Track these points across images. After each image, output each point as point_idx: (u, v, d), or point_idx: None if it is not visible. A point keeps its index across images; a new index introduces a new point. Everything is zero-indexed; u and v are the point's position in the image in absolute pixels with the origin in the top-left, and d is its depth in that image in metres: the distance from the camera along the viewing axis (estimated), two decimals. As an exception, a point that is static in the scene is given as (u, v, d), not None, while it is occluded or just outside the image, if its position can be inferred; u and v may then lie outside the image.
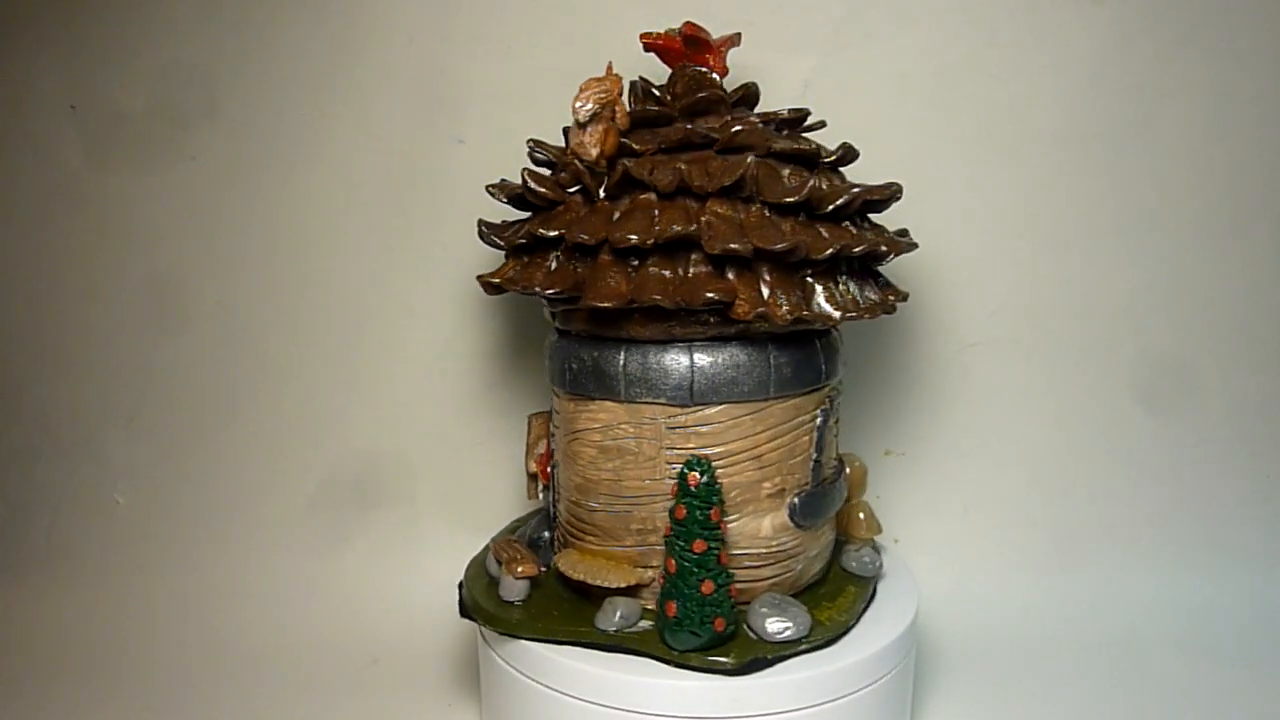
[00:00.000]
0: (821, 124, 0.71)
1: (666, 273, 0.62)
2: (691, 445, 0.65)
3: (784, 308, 0.62)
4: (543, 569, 0.70)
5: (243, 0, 0.86)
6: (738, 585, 0.65)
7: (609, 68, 0.68)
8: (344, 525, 0.94)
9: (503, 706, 0.70)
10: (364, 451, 0.93)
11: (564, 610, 0.68)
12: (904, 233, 0.71)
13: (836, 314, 0.63)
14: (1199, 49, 0.84)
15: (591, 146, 0.64)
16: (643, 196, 0.64)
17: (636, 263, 0.63)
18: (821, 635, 0.66)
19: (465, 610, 0.70)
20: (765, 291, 0.62)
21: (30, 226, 0.92)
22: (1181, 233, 0.87)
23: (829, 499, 0.69)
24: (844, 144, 0.68)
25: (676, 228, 0.61)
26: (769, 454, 0.66)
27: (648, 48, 0.70)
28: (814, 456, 0.68)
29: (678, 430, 0.65)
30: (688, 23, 0.69)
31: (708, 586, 0.62)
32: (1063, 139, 0.85)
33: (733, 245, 0.60)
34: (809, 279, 0.64)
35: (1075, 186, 0.86)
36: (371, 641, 0.86)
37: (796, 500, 0.67)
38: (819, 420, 0.67)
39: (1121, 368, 0.90)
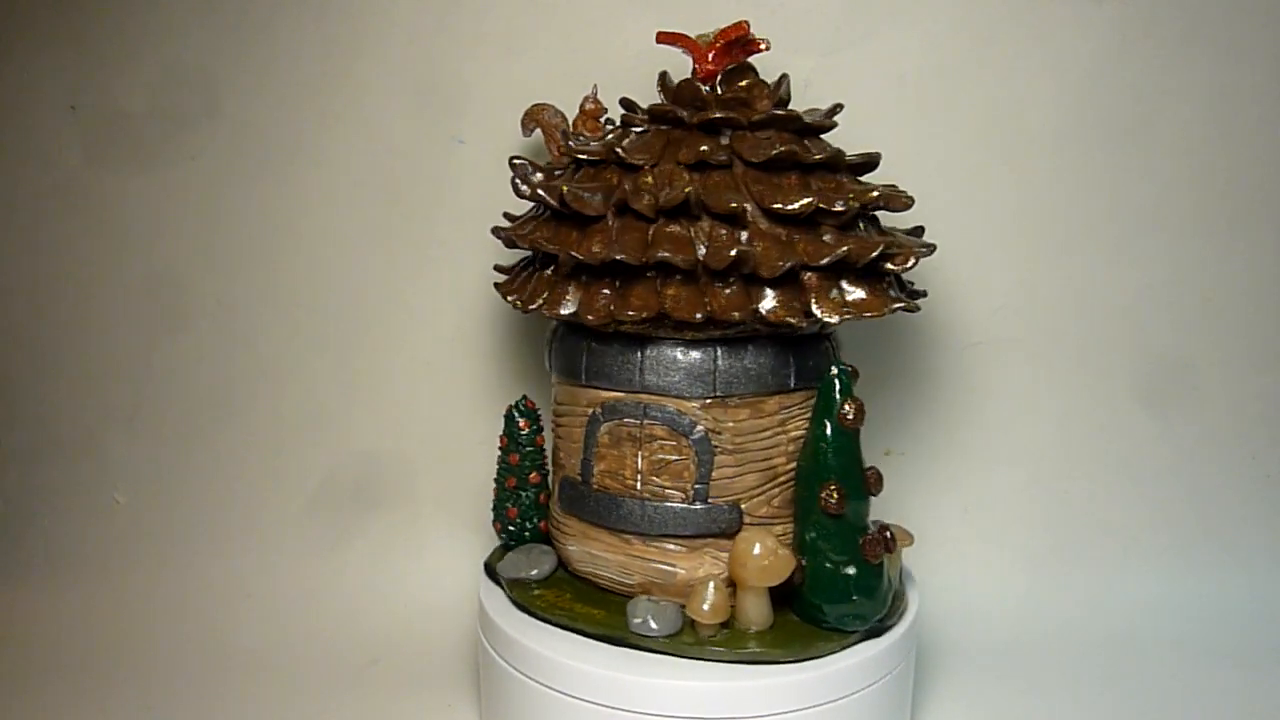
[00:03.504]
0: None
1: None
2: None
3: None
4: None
5: (243, 0, 0.86)
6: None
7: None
8: (344, 525, 0.94)
9: (503, 706, 0.70)
10: (364, 451, 0.93)
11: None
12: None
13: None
14: (1199, 49, 0.84)
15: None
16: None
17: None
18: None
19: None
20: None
21: (30, 226, 0.92)
22: (1181, 233, 0.87)
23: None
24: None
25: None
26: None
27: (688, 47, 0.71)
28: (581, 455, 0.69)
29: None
30: (736, 24, 0.69)
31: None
32: (1063, 139, 0.85)
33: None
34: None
35: (1075, 186, 0.86)
36: (371, 641, 0.86)
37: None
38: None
39: (1121, 368, 0.90)
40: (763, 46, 0.69)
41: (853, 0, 0.83)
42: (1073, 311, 0.89)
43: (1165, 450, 0.91)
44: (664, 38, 0.71)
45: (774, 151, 0.64)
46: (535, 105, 0.77)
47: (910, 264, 0.65)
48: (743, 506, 0.67)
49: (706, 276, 0.63)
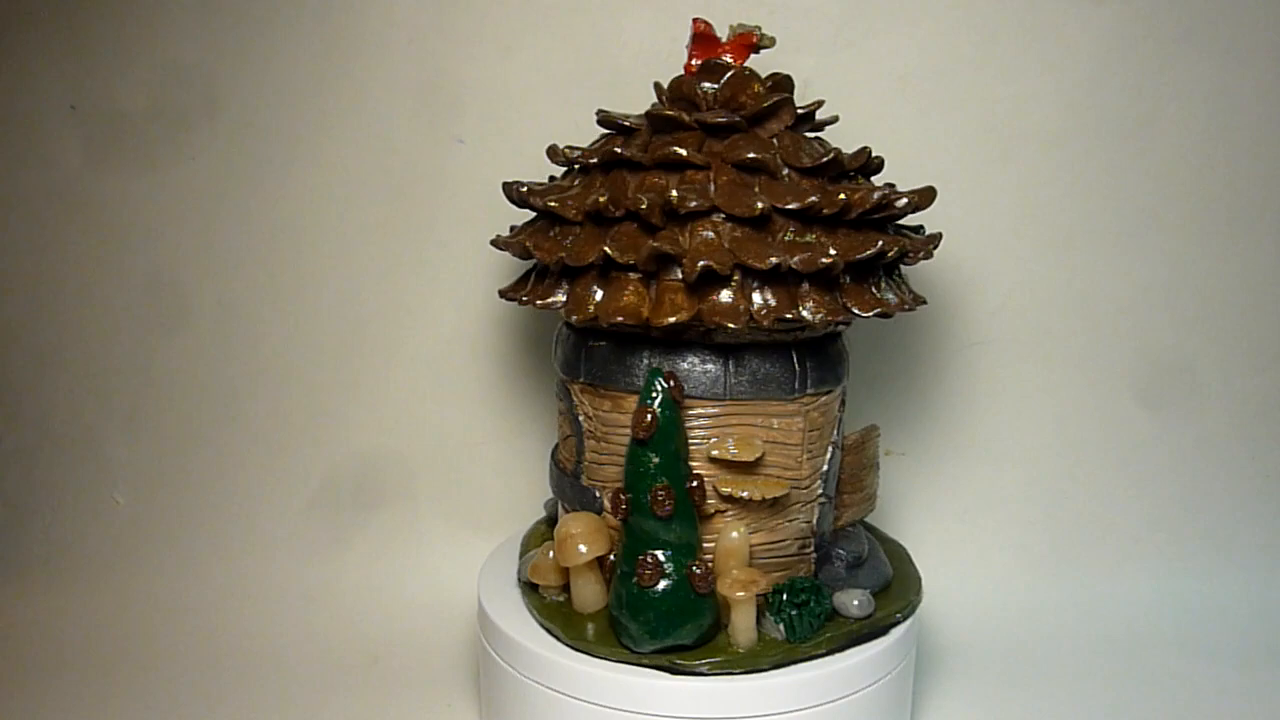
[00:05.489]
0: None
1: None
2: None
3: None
4: None
5: (243, 0, 0.86)
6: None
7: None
8: (344, 525, 0.94)
9: (503, 706, 0.70)
10: (364, 451, 0.93)
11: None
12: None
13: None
14: (1199, 49, 0.84)
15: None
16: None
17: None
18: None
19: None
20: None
21: (30, 226, 0.92)
22: (1181, 233, 0.87)
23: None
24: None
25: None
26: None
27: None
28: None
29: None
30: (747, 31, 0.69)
31: None
32: (1063, 139, 0.85)
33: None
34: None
35: (1075, 186, 0.86)
36: (371, 641, 0.86)
37: None
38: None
39: (1121, 368, 0.90)
40: (756, 38, 0.69)
41: (853, 0, 0.83)
42: (1073, 311, 0.89)
43: (1165, 450, 0.91)
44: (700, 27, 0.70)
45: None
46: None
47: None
48: (596, 493, 0.69)
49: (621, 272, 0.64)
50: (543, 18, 0.84)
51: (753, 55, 0.70)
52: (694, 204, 0.61)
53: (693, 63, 0.69)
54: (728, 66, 0.67)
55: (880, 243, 0.63)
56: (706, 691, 0.63)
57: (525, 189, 0.69)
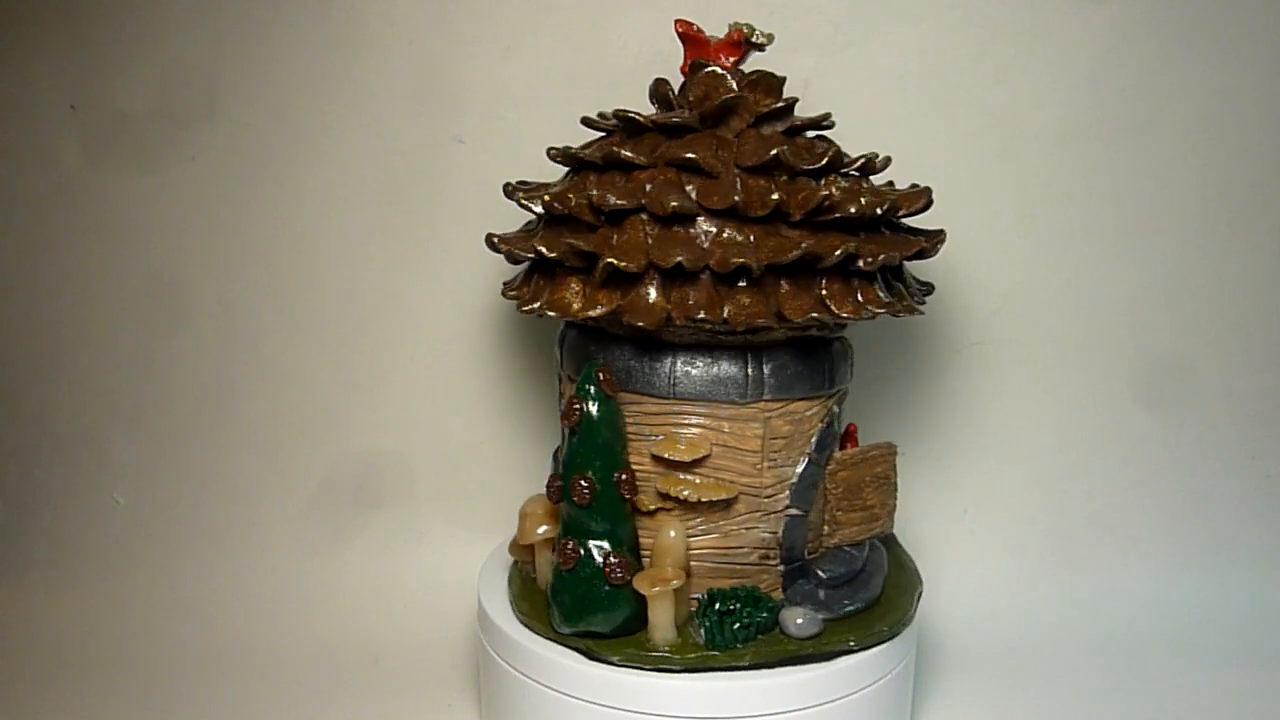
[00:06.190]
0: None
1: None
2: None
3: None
4: None
5: (243, 0, 0.86)
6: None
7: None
8: (344, 525, 0.94)
9: (503, 706, 0.70)
10: (364, 451, 0.93)
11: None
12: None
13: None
14: (1199, 49, 0.84)
15: None
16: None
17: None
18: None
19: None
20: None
21: (30, 226, 0.92)
22: (1181, 233, 0.87)
23: None
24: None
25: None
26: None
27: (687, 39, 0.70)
28: None
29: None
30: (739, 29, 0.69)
31: None
32: (1063, 139, 0.85)
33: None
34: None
35: (1075, 186, 0.86)
36: (371, 641, 0.86)
37: None
38: None
39: (1121, 368, 0.90)
40: (740, 36, 0.68)
41: (853, 0, 0.83)
42: (1073, 311, 0.89)
43: (1165, 450, 0.91)
44: (683, 28, 0.70)
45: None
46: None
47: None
48: None
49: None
50: (543, 18, 0.84)
51: (756, 54, 0.70)
52: (616, 203, 0.63)
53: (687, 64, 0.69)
54: (703, 66, 0.68)
55: (805, 245, 0.61)
56: (707, 691, 0.63)
57: (511, 186, 0.70)
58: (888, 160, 0.70)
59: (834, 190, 0.64)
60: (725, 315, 0.61)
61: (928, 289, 0.72)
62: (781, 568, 0.68)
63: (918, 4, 0.83)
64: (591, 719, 0.64)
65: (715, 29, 0.70)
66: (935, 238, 0.69)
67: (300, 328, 0.91)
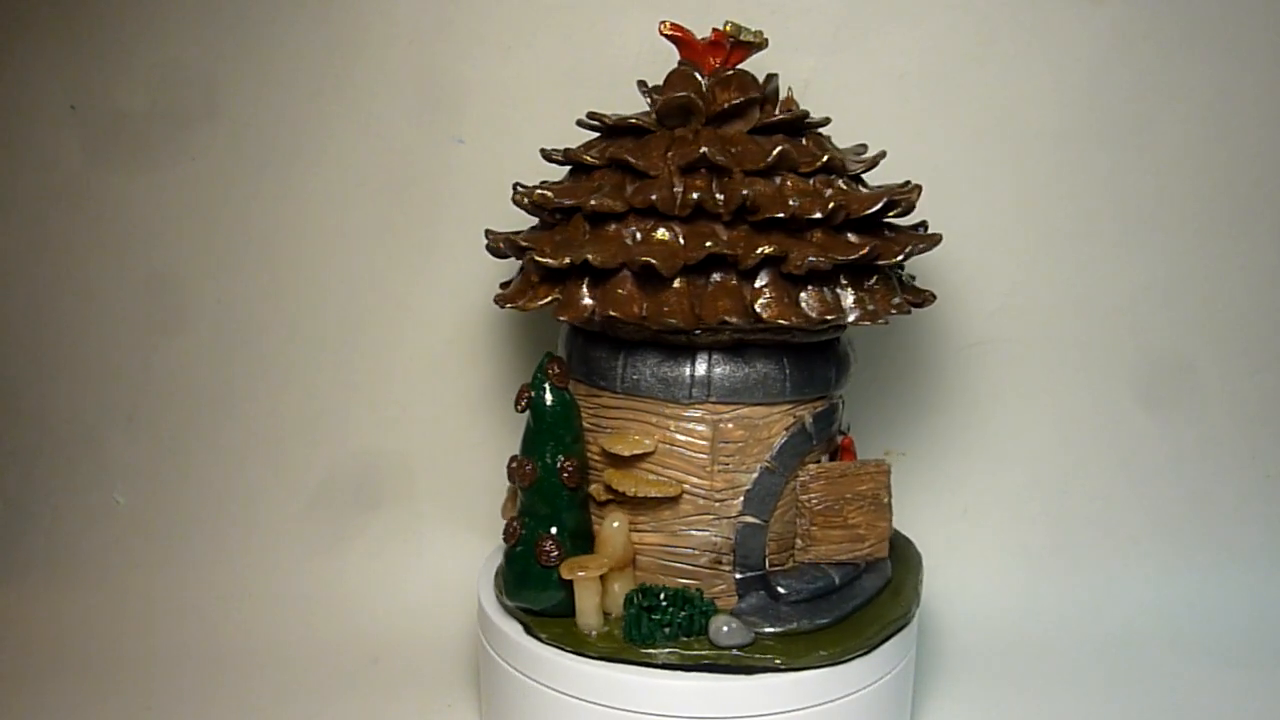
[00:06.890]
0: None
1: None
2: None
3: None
4: None
5: (243, 0, 0.86)
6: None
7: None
8: (344, 525, 0.94)
9: (503, 706, 0.70)
10: (364, 451, 0.93)
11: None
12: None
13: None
14: (1199, 49, 0.84)
15: None
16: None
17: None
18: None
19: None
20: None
21: (30, 226, 0.92)
22: (1181, 233, 0.87)
23: None
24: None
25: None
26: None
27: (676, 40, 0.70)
28: None
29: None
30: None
31: None
32: (1063, 139, 0.85)
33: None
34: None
35: (1075, 186, 0.86)
36: (371, 641, 0.86)
37: None
38: None
39: (1121, 368, 0.90)
40: (733, 33, 0.68)
41: (853, 0, 0.83)
42: (1073, 311, 0.89)
43: (1165, 450, 0.91)
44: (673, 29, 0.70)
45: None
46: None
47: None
48: None
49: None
50: (543, 18, 0.84)
51: (758, 54, 0.70)
52: (560, 202, 0.65)
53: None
54: (691, 68, 0.68)
55: (709, 245, 0.61)
56: (707, 691, 0.63)
57: (521, 189, 0.71)
58: (878, 158, 0.70)
59: (785, 187, 0.64)
60: (643, 313, 0.62)
61: (919, 297, 0.69)
62: (736, 575, 0.67)
63: (918, 4, 0.83)
64: (592, 719, 0.64)
65: (718, 29, 0.70)
66: (902, 244, 0.66)
67: (300, 328, 0.91)
